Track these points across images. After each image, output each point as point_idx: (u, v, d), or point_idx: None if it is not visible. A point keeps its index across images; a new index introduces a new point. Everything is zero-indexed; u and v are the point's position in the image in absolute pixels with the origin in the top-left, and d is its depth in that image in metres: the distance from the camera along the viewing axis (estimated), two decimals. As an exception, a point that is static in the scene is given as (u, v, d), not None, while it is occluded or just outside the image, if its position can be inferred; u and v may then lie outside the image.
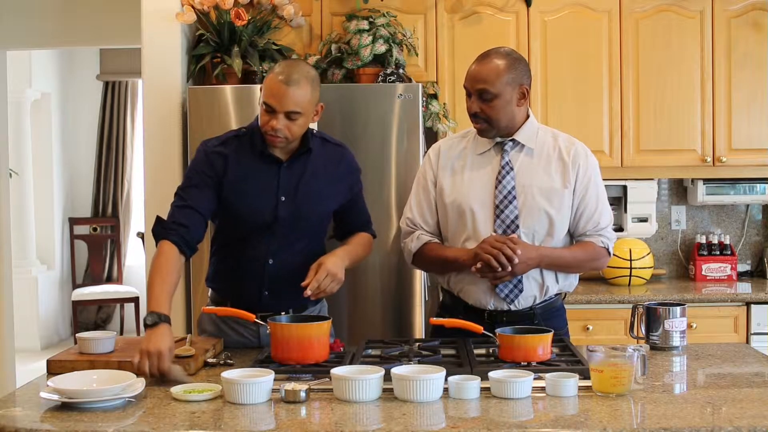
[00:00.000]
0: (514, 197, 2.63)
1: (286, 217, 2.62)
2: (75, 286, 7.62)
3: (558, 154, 2.69)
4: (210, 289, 2.84)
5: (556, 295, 2.72)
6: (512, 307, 2.65)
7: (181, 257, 2.53)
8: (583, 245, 2.69)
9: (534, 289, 2.64)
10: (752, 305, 3.90)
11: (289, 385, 2.08)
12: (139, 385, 2.12)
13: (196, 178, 2.62)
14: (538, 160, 2.68)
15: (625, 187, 4.27)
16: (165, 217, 2.59)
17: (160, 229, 2.55)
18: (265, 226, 2.63)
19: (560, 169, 2.67)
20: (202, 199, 2.59)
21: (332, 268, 2.51)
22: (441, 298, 2.87)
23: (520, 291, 2.63)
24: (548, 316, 2.70)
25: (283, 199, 2.62)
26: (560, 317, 2.78)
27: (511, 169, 2.66)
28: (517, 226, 2.63)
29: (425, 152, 3.05)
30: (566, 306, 2.81)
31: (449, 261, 2.68)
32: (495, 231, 2.62)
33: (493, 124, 2.63)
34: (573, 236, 2.73)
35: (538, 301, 2.68)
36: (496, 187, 2.65)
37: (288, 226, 2.64)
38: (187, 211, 2.57)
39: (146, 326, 2.32)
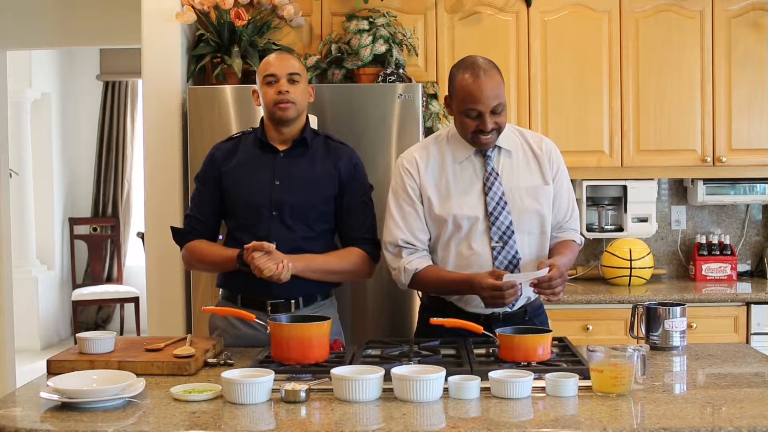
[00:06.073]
0: (506, 203, 2.63)
1: (281, 200, 2.75)
2: (75, 286, 7.63)
3: (530, 150, 2.71)
4: (221, 290, 2.90)
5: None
6: (509, 309, 2.66)
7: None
8: (570, 247, 2.71)
9: (528, 290, 2.64)
10: (752, 305, 3.89)
11: (289, 385, 2.08)
12: (139, 385, 2.12)
13: (200, 183, 2.88)
14: (517, 161, 2.69)
15: (625, 187, 4.27)
16: (176, 226, 2.96)
17: (180, 238, 2.87)
18: (264, 210, 2.76)
19: (536, 165, 2.70)
20: (207, 204, 2.85)
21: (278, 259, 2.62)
22: (420, 302, 2.85)
23: (521, 294, 2.62)
24: (536, 314, 2.75)
25: (278, 183, 2.77)
26: (544, 313, 2.82)
27: (498, 175, 2.65)
28: (513, 232, 2.62)
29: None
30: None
31: (450, 290, 2.66)
32: (491, 238, 2.61)
33: (500, 133, 2.64)
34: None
35: (530, 301, 2.71)
36: (486, 195, 2.63)
37: (285, 211, 2.75)
38: (196, 220, 2.86)
39: (242, 270, 2.67)
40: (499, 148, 2.68)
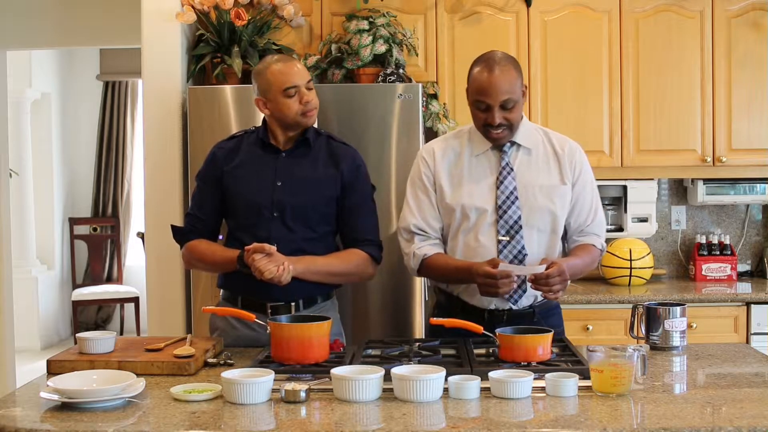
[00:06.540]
0: (516, 198, 2.64)
1: (282, 201, 2.74)
2: (75, 286, 7.63)
3: (552, 150, 2.73)
4: (221, 291, 2.90)
5: None
6: (514, 307, 2.66)
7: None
8: (588, 251, 2.71)
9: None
10: (752, 305, 3.90)
11: (289, 385, 2.08)
12: (139, 385, 2.12)
13: (201, 181, 2.87)
14: (536, 159, 2.71)
15: (625, 187, 4.27)
16: (176, 224, 2.98)
17: (180, 237, 2.87)
18: (266, 210, 2.75)
19: (556, 165, 2.71)
20: (208, 203, 2.84)
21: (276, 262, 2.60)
22: (436, 299, 2.86)
23: (524, 291, 2.63)
24: (547, 315, 2.73)
25: (280, 184, 2.75)
26: (558, 315, 2.80)
27: (512, 169, 2.67)
28: (520, 227, 2.63)
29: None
30: (566, 306, 2.82)
31: (454, 278, 2.68)
32: (498, 231, 2.63)
33: (512, 129, 2.65)
34: (569, 231, 2.74)
35: (538, 300, 2.69)
36: (498, 188, 2.65)
37: (286, 212, 2.74)
38: (197, 219, 2.85)
39: (243, 271, 2.65)
40: (518, 144, 2.70)
